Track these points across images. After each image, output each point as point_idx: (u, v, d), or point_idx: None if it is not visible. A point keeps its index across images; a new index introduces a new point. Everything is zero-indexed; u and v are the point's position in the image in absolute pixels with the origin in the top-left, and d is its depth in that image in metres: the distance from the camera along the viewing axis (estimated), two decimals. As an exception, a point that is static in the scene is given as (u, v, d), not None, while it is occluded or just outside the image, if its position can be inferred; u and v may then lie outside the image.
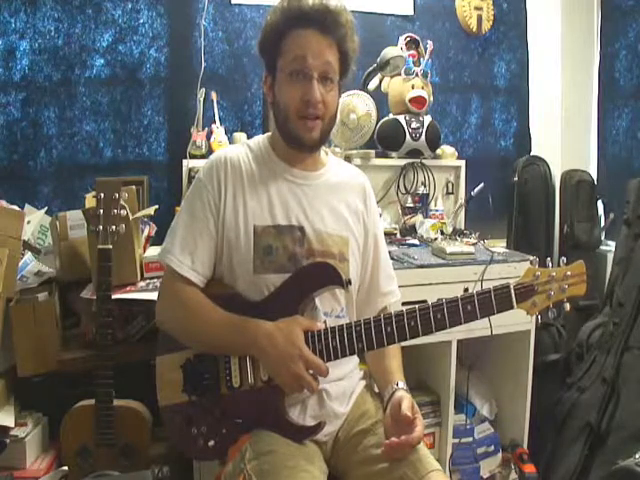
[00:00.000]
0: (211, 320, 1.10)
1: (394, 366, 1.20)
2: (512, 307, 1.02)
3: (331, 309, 1.17)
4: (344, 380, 1.20)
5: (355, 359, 1.25)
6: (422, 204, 2.24)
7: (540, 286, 1.02)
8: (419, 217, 2.17)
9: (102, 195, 1.47)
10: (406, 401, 1.09)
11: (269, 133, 1.26)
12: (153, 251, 1.72)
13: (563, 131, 2.49)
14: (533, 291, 1.02)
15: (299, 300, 1.11)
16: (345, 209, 1.22)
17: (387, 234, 1.96)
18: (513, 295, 1.02)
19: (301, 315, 1.10)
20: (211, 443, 1.11)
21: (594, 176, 2.47)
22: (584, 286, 1.03)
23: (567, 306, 1.03)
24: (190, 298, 1.12)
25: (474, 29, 2.47)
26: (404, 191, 2.24)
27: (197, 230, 1.13)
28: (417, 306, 1.04)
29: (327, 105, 1.12)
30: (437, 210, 2.21)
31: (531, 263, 1.04)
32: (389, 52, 2.08)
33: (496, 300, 1.01)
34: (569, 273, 1.02)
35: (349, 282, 1.15)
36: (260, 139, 1.25)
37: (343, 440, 1.17)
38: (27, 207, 1.92)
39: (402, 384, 1.15)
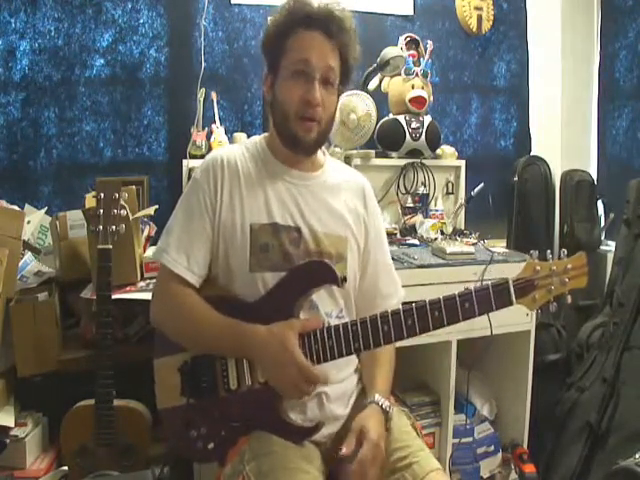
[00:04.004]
0: (206, 323, 1.09)
1: (380, 374, 1.18)
2: (511, 303, 0.99)
3: (331, 309, 1.17)
4: (344, 382, 1.19)
5: (354, 361, 1.25)
6: (422, 204, 2.23)
7: (540, 280, 0.98)
8: (419, 217, 2.17)
9: (102, 195, 1.47)
10: (371, 421, 1.06)
11: (266, 133, 1.26)
12: (153, 251, 1.72)
13: (563, 131, 2.49)
14: (533, 286, 0.98)
15: (294, 300, 1.10)
16: (344, 208, 1.21)
17: (387, 234, 1.95)
18: (512, 291, 0.98)
19: (297, 315, 1.09)
20: (211, 445, 1.11)
21: (594, 176, 2.47)
22: (585, 278, 0.99)
23: (568, 298, 0.99)
24: (185, 299, 1.11)
25: (474, 29, 2.47)
26: (404, 191, 2.24)
27: (193, 230, 1.13)
28: (414, 304, 1.02)
29: (325, 108, 1.12)
30: (437, 210, 2.21)
31: (531, 257, 1.01)
32: (389, 52, 2.08)
33: (495, 296, 0.99)
34: (570, 266, 0.99)
35: (344, 279, 1.14)
36: (257, 139, 1.24)
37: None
38: (27, 207, 1.92)
39: (378, 396, 1.12)
